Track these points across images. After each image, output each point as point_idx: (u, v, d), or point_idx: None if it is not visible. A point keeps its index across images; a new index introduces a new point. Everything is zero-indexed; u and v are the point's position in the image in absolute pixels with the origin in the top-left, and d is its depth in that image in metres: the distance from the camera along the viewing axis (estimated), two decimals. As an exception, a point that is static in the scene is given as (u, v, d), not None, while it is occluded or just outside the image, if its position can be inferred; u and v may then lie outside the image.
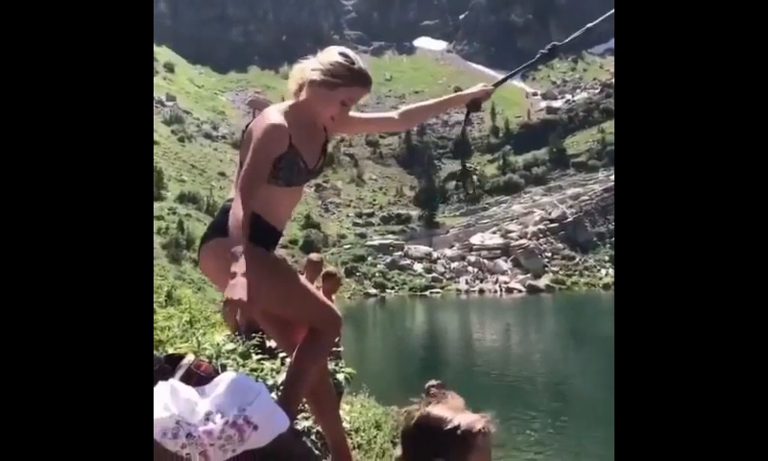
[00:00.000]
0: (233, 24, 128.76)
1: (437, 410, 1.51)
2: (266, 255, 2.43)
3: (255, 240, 2.36)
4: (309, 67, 2.45)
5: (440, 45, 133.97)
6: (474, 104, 2.86)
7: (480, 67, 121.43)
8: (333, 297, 6.42)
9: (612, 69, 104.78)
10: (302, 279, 2.56)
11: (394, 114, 2.79)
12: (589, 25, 3.06)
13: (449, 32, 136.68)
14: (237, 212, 2.22)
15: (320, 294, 2.61)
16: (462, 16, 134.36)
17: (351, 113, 2.63)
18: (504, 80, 3.26)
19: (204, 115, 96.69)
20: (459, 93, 2.89)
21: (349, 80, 2.43)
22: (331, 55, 2.44)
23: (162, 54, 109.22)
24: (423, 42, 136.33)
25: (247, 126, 2.46)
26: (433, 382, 4.72)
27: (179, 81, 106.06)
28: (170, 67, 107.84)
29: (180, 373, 2.29)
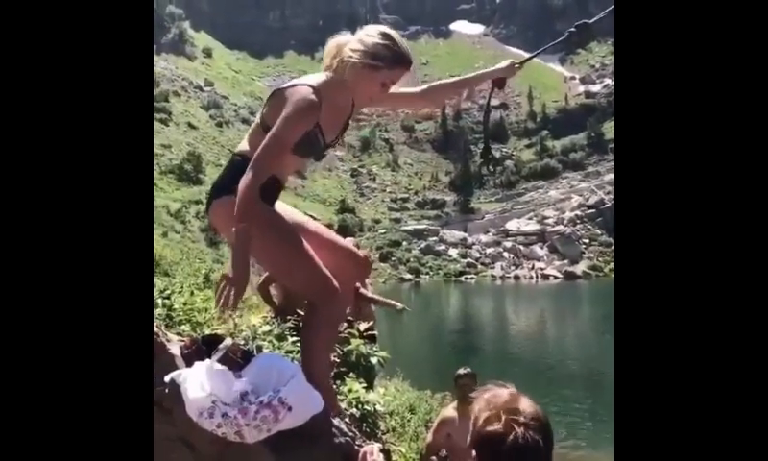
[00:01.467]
0: (270, 9, 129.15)
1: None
2: (270, 214, 2.44)
3: (261, 195, 2.34)
4: (349, 47, 2.40)
5: (477, 29, 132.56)
6: (499, 81, 2.74)
7: (518, 51, 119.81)
8: (367, 281, 6.45)
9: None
10: (305, 245, 2.44)
11: (416, 90, 2.72)
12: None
13: (486, 15, 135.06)
14: (250, 186, 2.20)
15: (319, 263, 2.43)
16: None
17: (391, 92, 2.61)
18: (531, 57, 3.15)
19: (241, 101, 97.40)
20: (483, 71, 2.78)
21: (391, 62, 2.40)
22: (373, 36, 2.39)
23: (200, 39, 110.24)
24: (460, 26, 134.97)
25: (278, 89, 2.43)
26: (462, 371, 4.65)
27: (216, 66, 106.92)
28: (208, 52, 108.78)
29: (216, 356, 2.32)
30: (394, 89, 2.62)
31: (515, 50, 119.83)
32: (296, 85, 2.39)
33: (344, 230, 59.36)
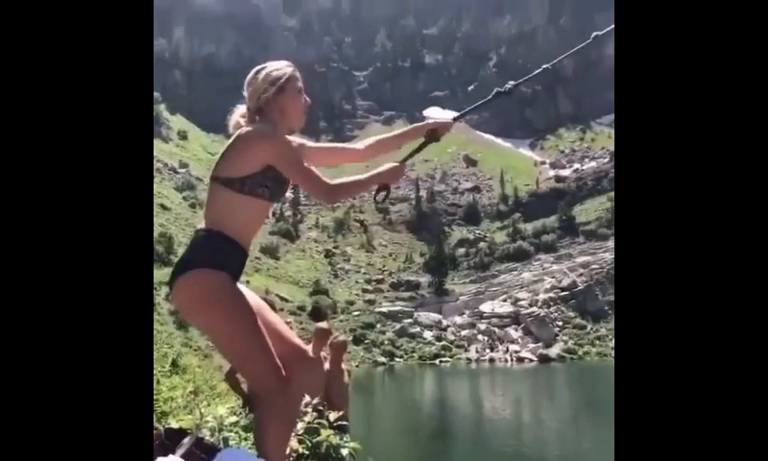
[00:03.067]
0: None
1: None
2: (230, 289, 2.36)
3: (222, 265, 2.33)
4: (251, 99, 2.58)
5: (449, 115, 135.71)
6: (433, 134, 2.89)
7: (489, 136, 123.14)
8: (343, 365, 6.34)
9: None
10: (260, 326, 2.38)
11: (359, 145, 2.91)
12: (546, 65, 3.13)
13: (459, 102, 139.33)
14: (354, 183, 2.51)
15: (273, 354, 2.37)
16: (471, 87, 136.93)
17: (317, 144, 2.84)
18: (465, 113, 3.25)
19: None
20: (420, 124, 2.97)
21: (284, 73, 2.57)
22: (255, 77, 2.58)
23: (176, 122, 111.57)
24: (433, 112, 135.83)
25: (230, 145, 2.51)
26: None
27: (191, 148, 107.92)
28: (183, 135, 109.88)
29: (180, 451, 2.22)
30: (335, 144, 2.97)
31: (486, 135, 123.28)
32: (245, 130, 2.49)
33: (317, 313, 58.77)
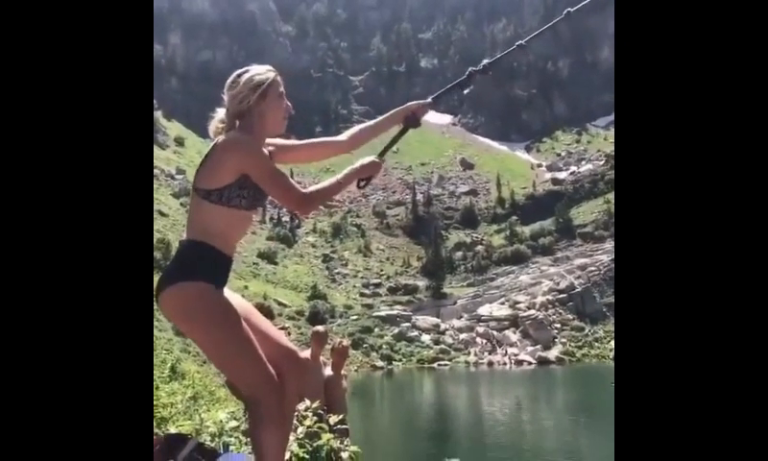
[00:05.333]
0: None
1: None
2: (214, 299, 2.36)
3: (205, 275, 2.34)
4: (234, 103, 2.53)
5: (445, 118, 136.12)
6: (412, 118, 2.91)
7: (485, 139, 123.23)
8: (343, 371, 6.34)
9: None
10: (248, 333, 2.39)
11: (341, 137, 2.87)
12: (520, 42, 3.16)
13: (455, 105, 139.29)
14: (328, 187, 2.48)
15: (263, 357, 2.39)
16: (466, 91, 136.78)
17: (298, 141, 2.80)
18: (442, 93, 3.26)
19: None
20: (398, 109, 2.95)
21: (267, 79, 2.54)
22: (237, 81, 2.54)
23: (173, 128, 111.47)
24: (429, 116, 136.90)
25: (207, 155, 2.48)
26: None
27: (188, 154, 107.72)
28: (180, 141, 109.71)
29: (181, 456, 2.22)
30: (317, 140, 2.93)
31: (482, 139, 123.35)
32: (221, 139, 2.46)
33: (315, 317, 58.68)
